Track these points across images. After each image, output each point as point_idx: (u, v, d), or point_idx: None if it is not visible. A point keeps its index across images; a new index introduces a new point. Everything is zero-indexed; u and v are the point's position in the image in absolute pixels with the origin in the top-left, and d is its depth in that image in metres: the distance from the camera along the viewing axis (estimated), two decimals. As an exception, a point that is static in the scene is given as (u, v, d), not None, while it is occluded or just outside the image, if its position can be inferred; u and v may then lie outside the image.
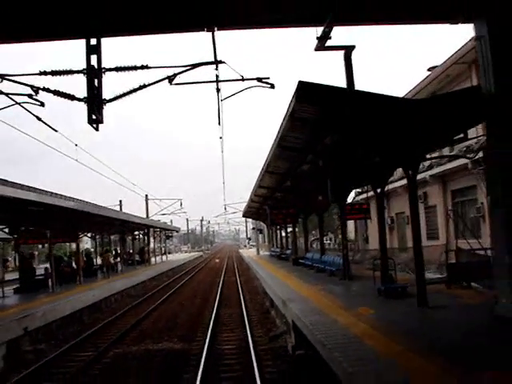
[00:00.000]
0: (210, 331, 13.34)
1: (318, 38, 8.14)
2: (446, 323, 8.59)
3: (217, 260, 62.82)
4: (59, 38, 8.98)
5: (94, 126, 8.04)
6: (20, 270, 21.10)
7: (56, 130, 11.18)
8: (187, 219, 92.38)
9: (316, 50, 8.64)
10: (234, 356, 11.05)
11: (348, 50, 9.42)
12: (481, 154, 16.42)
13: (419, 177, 24.74)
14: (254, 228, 73.95)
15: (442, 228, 22.54)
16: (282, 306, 13.10)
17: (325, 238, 52.84)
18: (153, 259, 45.83)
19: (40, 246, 40.93)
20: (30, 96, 8.25)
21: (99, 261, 31.95)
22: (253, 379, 8.81)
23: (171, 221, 72.54)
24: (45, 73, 8.19)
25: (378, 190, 12.74)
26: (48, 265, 23.67)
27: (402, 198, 29.06)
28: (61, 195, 19.86)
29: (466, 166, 18.64)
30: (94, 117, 7.90)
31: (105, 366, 10.88)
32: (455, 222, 17.51)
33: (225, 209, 70.15)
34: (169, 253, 65.12)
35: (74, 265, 25.86)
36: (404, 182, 26.34)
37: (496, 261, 8.48)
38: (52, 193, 18.75)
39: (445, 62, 19.50)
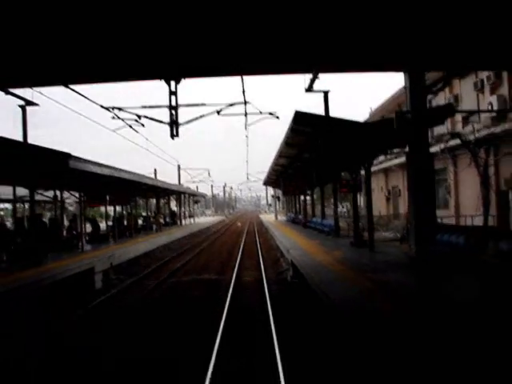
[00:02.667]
0: (235, 270, 19.22)
1: (305, 89, 13.57)
2: (377, 259, 14.32)
3: (239, 224, 67.61)
4: (150, 79, 14.46)
5: (173, 139, 13.69)
6: (92, 226, 27.47)
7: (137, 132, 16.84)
8: (212, 185, 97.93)
9: (306, 92, 14.06)
10: (252, 282, 16.92)
11: (326, 93, 14.86)
12: (442, 146, 21.62)
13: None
14: (273, 196, 79.38)
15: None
16: (286, 252, 18.91)
17: (341, 206, 58.34)
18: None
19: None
20: (136, 120, 13.84)
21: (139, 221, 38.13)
22: (263, 292, 14.67)
23: (197, 187, 77.35)
24: (144, 106, 13.83)
25: (353, 176, 18.17)
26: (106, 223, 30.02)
27: (397, 174, 34.23)
28: (120, 169, 25.52)
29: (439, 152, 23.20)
30: (174, 133, 13.54)
31: (168, 286, 16.86)
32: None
33: (247, 178, 75.81)
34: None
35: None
36: (398, 160, 31.63)
37: (410, 224, 14.05)
38: (114, 167, 24.40)
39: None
